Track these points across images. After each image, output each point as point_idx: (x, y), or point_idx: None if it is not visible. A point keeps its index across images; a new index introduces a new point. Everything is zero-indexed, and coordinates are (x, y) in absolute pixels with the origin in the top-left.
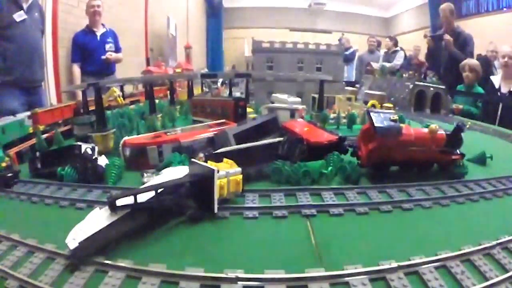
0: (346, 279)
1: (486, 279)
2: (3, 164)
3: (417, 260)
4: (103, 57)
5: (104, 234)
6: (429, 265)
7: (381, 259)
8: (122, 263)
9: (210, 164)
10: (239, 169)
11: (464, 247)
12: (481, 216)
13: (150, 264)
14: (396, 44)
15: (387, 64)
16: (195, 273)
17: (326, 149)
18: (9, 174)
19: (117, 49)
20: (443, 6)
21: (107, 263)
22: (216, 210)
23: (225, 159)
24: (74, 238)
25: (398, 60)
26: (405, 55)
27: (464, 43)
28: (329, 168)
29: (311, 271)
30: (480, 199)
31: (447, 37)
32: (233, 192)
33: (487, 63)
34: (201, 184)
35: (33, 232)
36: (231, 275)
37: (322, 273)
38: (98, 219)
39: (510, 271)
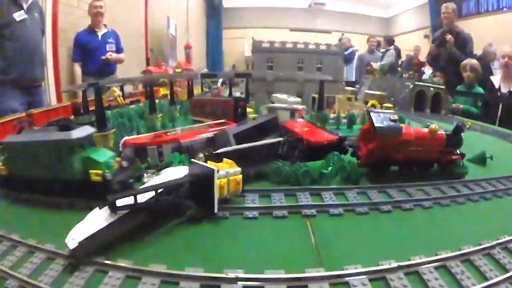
0: (346, 279)
1: (486, 279)
2: (115, 166)
3: (417, 260)
4: (103, 57)
5: (104, 234)
6: (429, 265)
7: (381, 259)
8: (122, 263)
9: (210, 164)
10: (239, 169)
11: (464, 247)
12: (481, 216)
13: (150, 264)
14: (389, 43)
15: (378, 63)
16: (195, 273)
17: (326, 149)
18: (130, 180)
19: (119, 50)
20: (448, 3)
21: (107, 263)
22: (216, 210)
23: (225, 159)
24: (74, 238)
25: (386, 60)
26: (397, 54)
27: (463, 43)
28: (329, 168)
29: (311, 271)
30: (480, 199)
31: (448, 36)
32: (233, 192)
33: (485, 64)
34: (201, 184)
35: (33, 232)
36: (231, 275)
37: (322, 273)
38: (97, 219)
39: (510, 271)
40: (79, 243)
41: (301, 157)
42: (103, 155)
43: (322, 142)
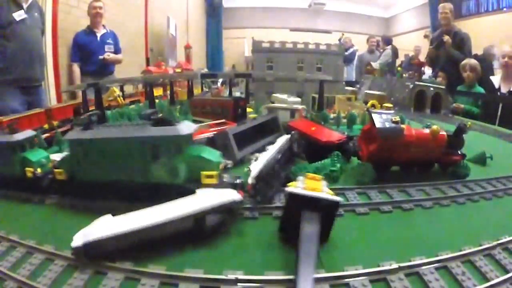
0: (347, 280)
1: (487, 280)
2: (221, 166)
3: (418, 261)
4: (101, 57)
5: (111, 242)
6: (430, 266)
7: (382, 260)
8: (121, 265)
9: (291, 185)
10: (326, 182)
11: (465, 247)
12: (482, 216)
13: (149, 266)
14: (387, 43)
15: (376, 63)
16: (195, 274)
17: (335, 148)
18: (238, 180)
19: (117, 51)
20: (445, 4)
21: (106, 265)
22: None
23: (309, 174)
24: (78, 239)
25: (382, 59)
26: (395, 53)
27: (461, 43)
28: (338, 165)
29: None
30: (481, 199)
31: (446, 38)
32: None
33: (486, 64)
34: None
35: (32, 233)
36: (231, 276)
37: (322, 274)
38: (107, 226)
39: (511, 271)
40: (83, 244)
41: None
42: (213, 153)
43: (333, 142)
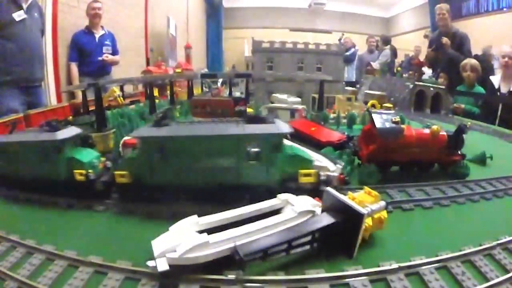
0: (347, 280)
1: (487, 280)
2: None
3: (418, 261)
4: (100, 58)
5: (203, 262)
6: (430, 266)
7: (382, 260)
8: (121, 265)
9: (349, 197)
10: (384, 203)
11: (465, 247)
12: (482, 216)
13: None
14: (385, 43)
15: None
16: (195, 275)
17: (335, 148)
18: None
19: (115, 52)
20: (441, 5)
21: (106, 265)
22: (355, 255)
23: (365, 188)
24: (162, 255)
25: (380, 59)
26: (394, 54)
27: (460, 43)
28: (348, 168)
29: (311, 272)
30: (481, 199)
31: (444, 40)
32: (374, 231)
33: (487, 65)
34: (342, 225)
35: (32, 233)
36: (231, 277)
37: (322, 274)
38: (194, 240)
39: (510, 271)
40: (170, 266)
41: None
42: (304, 151)
43: (333, 142)
